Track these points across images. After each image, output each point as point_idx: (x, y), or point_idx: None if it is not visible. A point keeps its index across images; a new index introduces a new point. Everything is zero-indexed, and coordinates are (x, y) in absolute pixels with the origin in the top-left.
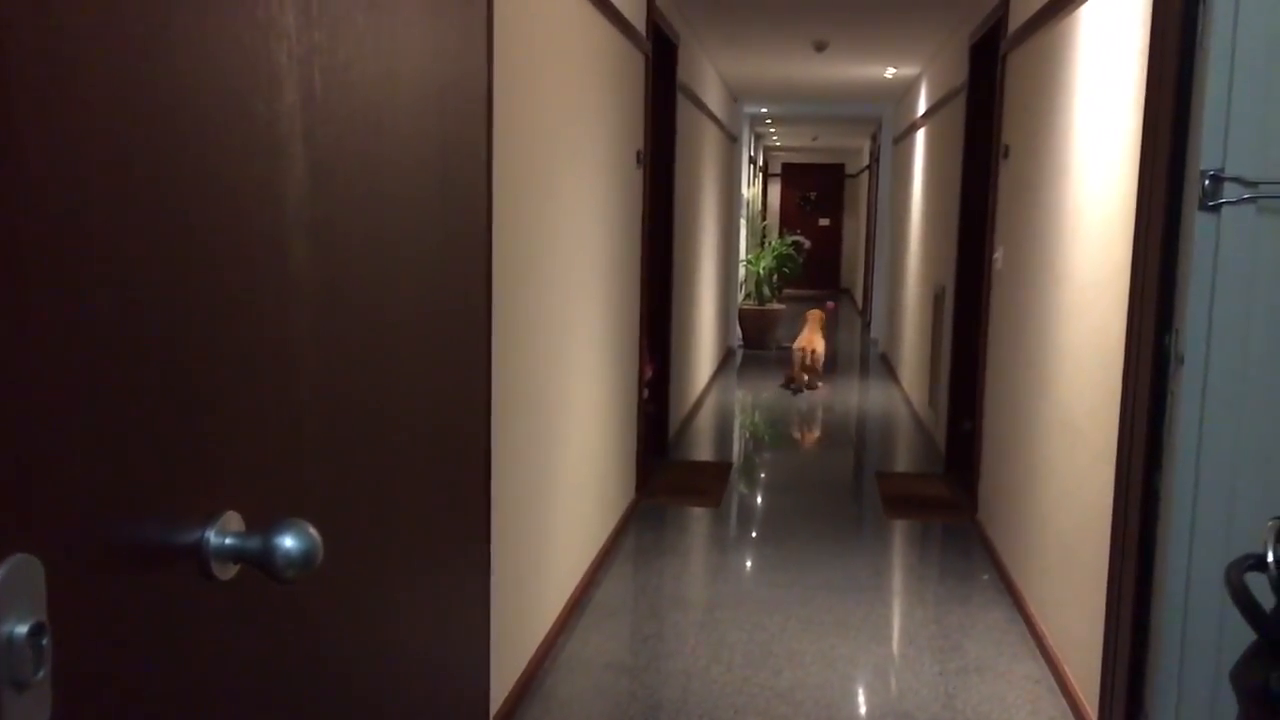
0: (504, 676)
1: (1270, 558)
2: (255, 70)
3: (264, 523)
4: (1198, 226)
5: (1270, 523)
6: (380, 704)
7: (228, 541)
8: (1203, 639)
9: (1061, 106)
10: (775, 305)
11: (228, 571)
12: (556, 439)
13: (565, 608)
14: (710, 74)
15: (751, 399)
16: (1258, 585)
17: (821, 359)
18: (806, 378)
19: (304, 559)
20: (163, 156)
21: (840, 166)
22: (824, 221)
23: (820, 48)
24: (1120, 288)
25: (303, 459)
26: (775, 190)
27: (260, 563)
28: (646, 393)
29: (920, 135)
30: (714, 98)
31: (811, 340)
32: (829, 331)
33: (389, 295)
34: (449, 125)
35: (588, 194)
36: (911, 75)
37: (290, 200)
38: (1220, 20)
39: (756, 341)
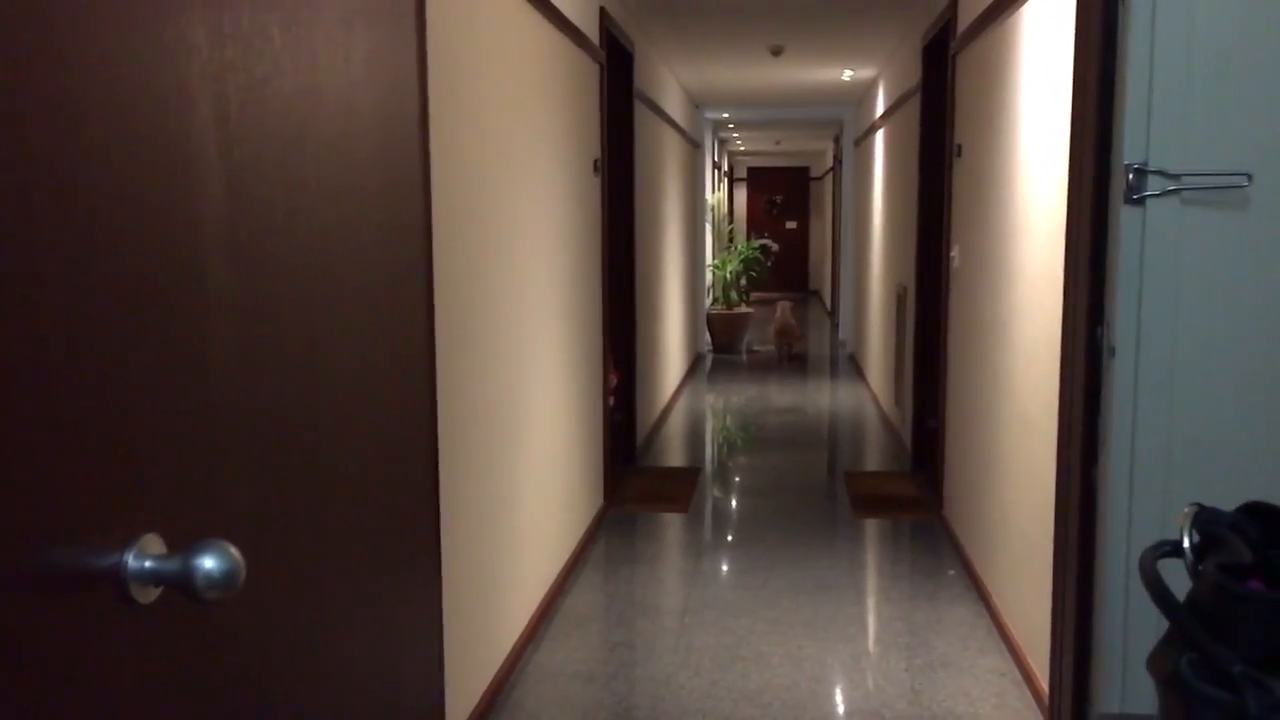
0: (469, 690)
1: (1185, 544)
2: (163, 87)
3: (187, 544)
4: (1124, 219)
5: (1186, 509)
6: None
7: (147, 564)
8: (1144, 626)
9: (1008, 105)
10: (744, 309)
11: (148, 595)
12: (517, 449)
13: (533, 618)
14: (670, 82)
15: (722, 403)
16: (1179, 572)
17: (796, 327)
18: (790, 346)
19: (225, 580)
20: (66, 172)
21: (805, 169)
22: (791, 224)
23: (776, 52)
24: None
25: (229, 479)
26: (741, 194)
27: (180, 585)
28: (613, 401)
29: (879, 136)
30: (674, 105)
31: (786, 316)
32: (799, 322)
33: (321, 312)
34: (382, 140)
35: (543, 203)
36: (869, 77)
37: (208, 219)
38: (1138, 18)
39: (726, 345)
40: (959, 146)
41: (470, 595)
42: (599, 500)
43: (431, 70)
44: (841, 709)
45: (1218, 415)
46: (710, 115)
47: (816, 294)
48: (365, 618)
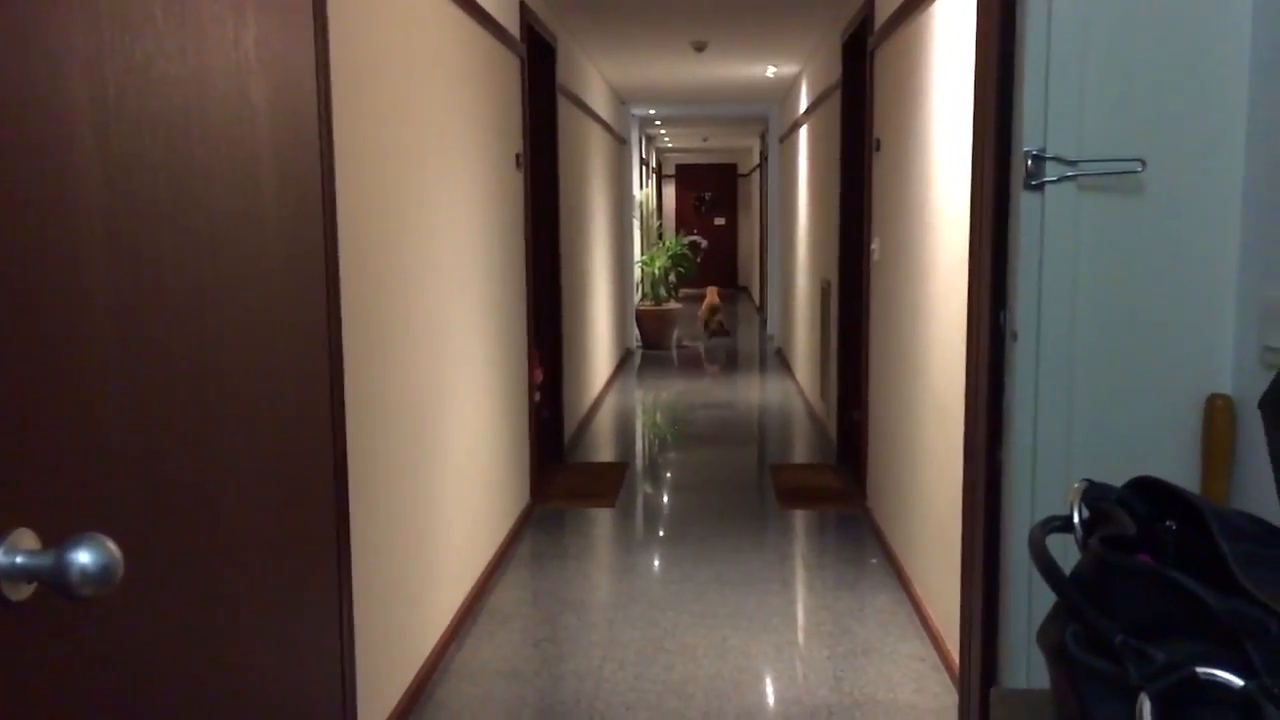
0: (387, 690)
1: (1075, 519)
2: (33, 70)
3: (62, 539)
4: (1023, 205)
5: (1076, 484)
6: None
7: (19, 560)
8: (1045, 603)
9: (922, 99)
10: (673, 305)
11: (21, 592)
12: (436, 447)
13: (456, 616)
14: (594, 77)
15: (651, 398)
16: (1071, 547)
17: (722, 306)
18: (720, 322)
19: (101, 575)
20: None
21: (733, 166)
22: (719, 220)
23: (700, 48)
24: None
25: (109, 474)
26: (670, 191)
27: (54, 581)
28: (539, 397)
29: (803, 132)
30: (599, 100)
31: (713, 300)
32: (727, 316)
33: (212, 305)
34: (279, 128)
35: (462, 196)
36: (792, 74)
37: (83, 209)
38: (1035, 9)
39: (655, 341)
40: (878, 141)
41: (386, 595)
42: (525, 497)
43: (335, 58)
44: (766, 698)
45: (1115, 396)
46: (637, 112)
47: (745, 290)
48: (263, 620)
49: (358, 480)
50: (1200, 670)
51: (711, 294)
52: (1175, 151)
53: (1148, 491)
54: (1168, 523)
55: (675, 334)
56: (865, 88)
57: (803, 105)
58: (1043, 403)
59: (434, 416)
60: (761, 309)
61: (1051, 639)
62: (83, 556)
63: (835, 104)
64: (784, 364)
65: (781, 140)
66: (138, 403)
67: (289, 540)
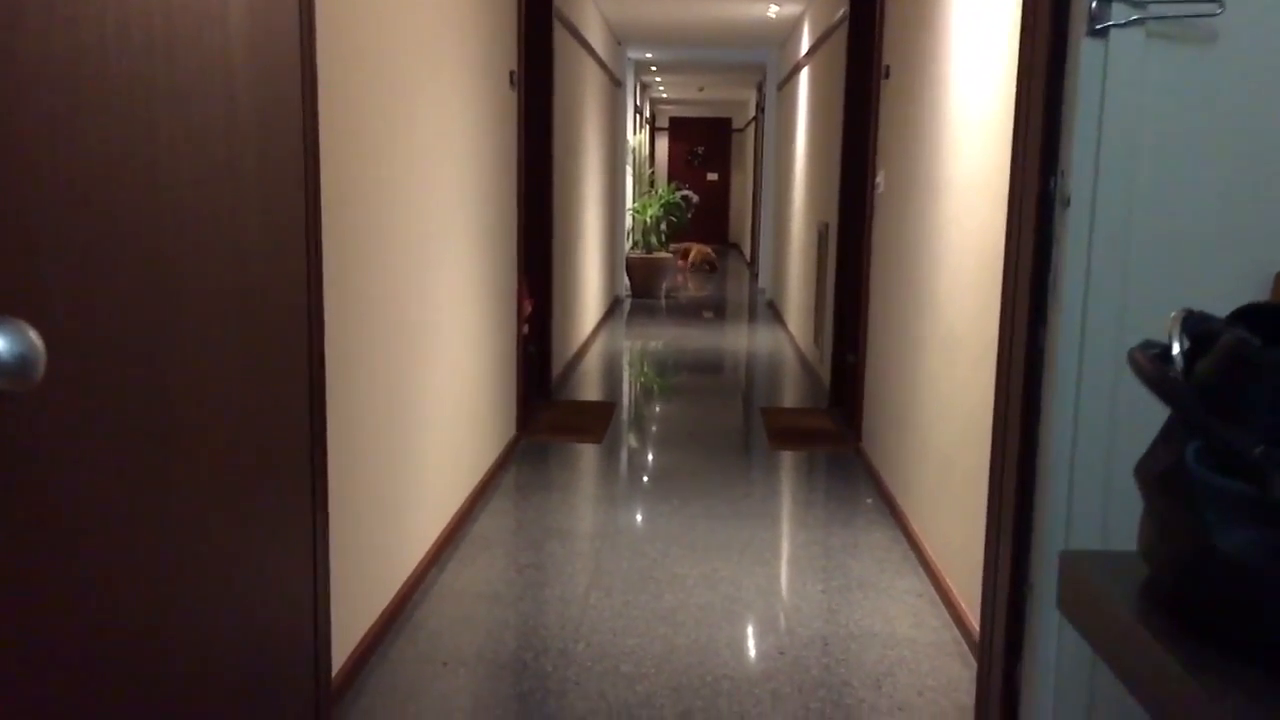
0: (363, 609)
1: (1175, 349)
2: None
3: None
4: (1084, 53)
5: (1173, 314)
6: (174, 633)
7: None
8: (1092, 493)
9: (941, 9)
10: (663, 254)
11: None
12: (420, 369)
13: (437, 541)
14: (591, 11)
15: (640, 345)
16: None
17: (707, 253)
18: (708, 259)
19: (17, 364)
20: None
21: (727, 121)
22: (712, 176)
23: None
24: (1000, 184)
25: (38, 270)
26: (662, 145)
27: None
28: (527, 329)
29: (804, 76)
30: (595, 36)
31: (703, 248)
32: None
33: (182, 225)
34: (254, 37)
35: (451, 109)
36: (794, 14)
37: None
38: None
39: (644, 290)
40: (887, 68)
41: (366, 514)
42: (511, 430)
43: None
44: (758, 628)
45: (1174, 270)
46: (633, 55)
47: (736, 247)
48: (230, 527)
49: (338, 400)
50: None
51: (699, 248)
52: None
53: (1254, 319)
54: None
55: (665, 283)
56: (875, 15)
57: (804, 47)
58: (1095, 275)
59: (419, 333)
60: (753, 263)
61: (1160, 464)
62: None
63: (840, 40)
64: (775, 315)
65: (780, 87)
66: (79, 199)
67: (258, 456)
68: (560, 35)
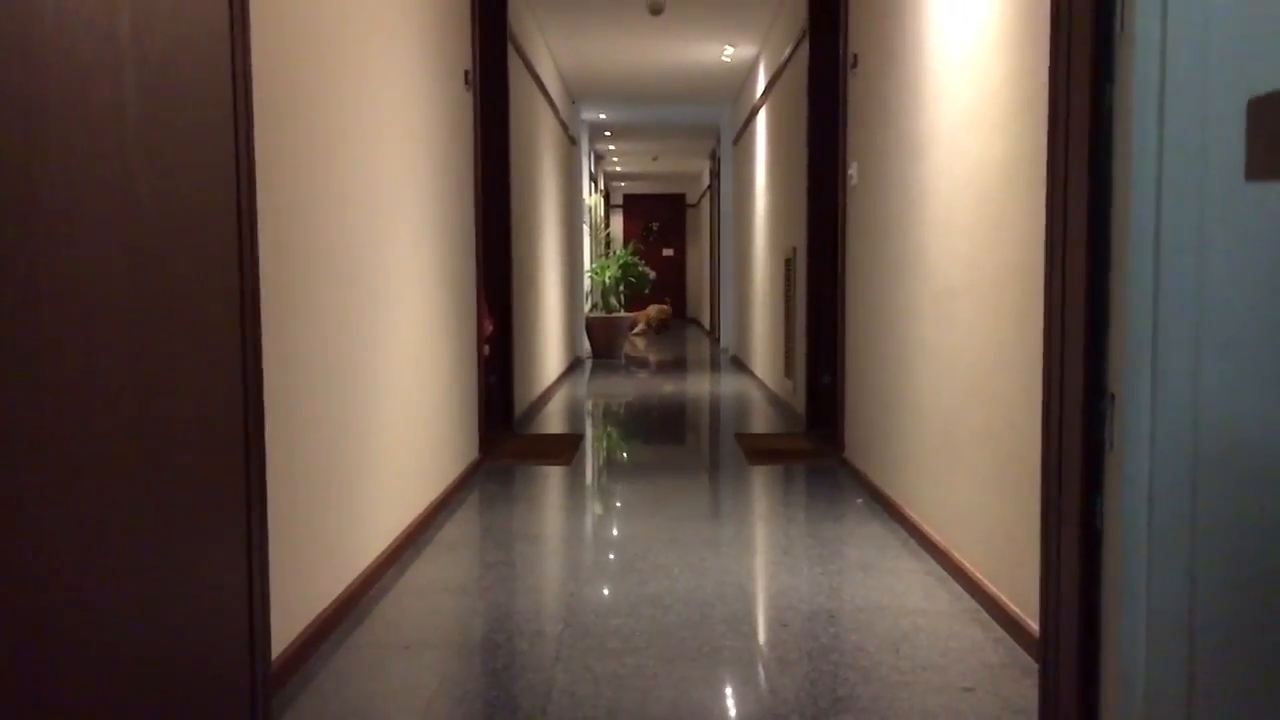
0: (312, 595)
1: None
2: None
3: None
4: None
5: None
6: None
7: None
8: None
9: None
10: (623, 314)
11: None
12: (372, 376)
13: (394, 544)
14: (545, 56)
15: (605, 390)
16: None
17: (659, 317)
18: (663, 319)
19: None
20: None
21: (681, 196)
22: (668, 251)
23: (656, 10)
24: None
25: None
26: (617, 221)
27: None
28: (488, 349)
29: (761, 116)
30: (550, 81)
31: (661, 308)
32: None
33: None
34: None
35: (401, 111)
36: (749, 57)
37: None
38: None
39: (606, 350)
40: (854, 57)
41: (310, 512)
42: (474, 452)
43: None
44: (755, 606)
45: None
46: (587, 116)
47: (695, 321)
48: (158, 529)
49: (276, 388)
50: None
51: (651, 308)
52: None
53: None
54: None
55: (625, 344)
56: (838, 7)
57: (760, 87)
58: (1170, 124)
59: (370, 358)
60: (713, 330)
61: None
62: None
63: (799, 66)
64: (740, 366)
65: (735, 141)
66: None
67: (186, 432)
68: (515, 66)
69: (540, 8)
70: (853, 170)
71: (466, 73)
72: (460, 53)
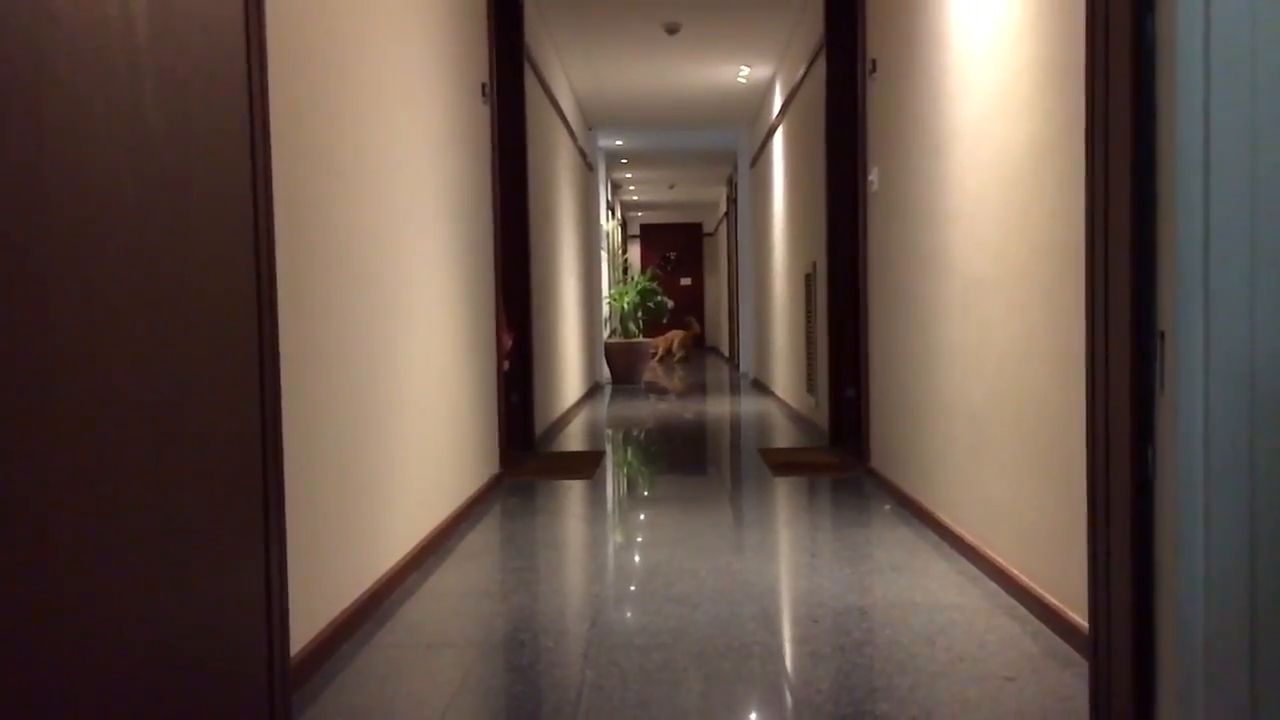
0: (333, 595)
1: None
2: None
3: None
4: None
5: None
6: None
7: None
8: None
9: None
10: (643, 339)
11: None
12: (392, 384)
13: (415, 549)
14: (561, 80)
15: (627, 413)
16: None
17: (683, 346)
18: (675, 354)
19: None
20: None
21: (698, 225)
22: (685, 281)
23: (672, 30)
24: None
25: None
26: (635, 251)
27: None
28: (508, 364)
29: (778, 135)
30: (566, 104)
31: (674, 336)
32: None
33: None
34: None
35: (418, 126)
36: (765, 77)
37: None
38: None
39: (625, 376)
40: (873, 62)
41: (330, 516)
42: (495, 466)
43: None
44: (784, 603)
45: None
46: (604, 144)
47: (714, 349)
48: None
49: (294, 390)
50: None
51: (673, 333)
52: None
53: None
54: None
55: (644, 369)
56: (855, 13)
57: (776, 107)
58: (1216, 68)
59: (389, 353)
60: (732, 357)
61: None
62: None
63: (815, 80)
64: (761, 388)
65: (753, 164)
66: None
67: (203, 439)
68: (533, 89)
69: (556, 27)
70: (873, 175)
71: (484, 86)
72: (478, 68)
